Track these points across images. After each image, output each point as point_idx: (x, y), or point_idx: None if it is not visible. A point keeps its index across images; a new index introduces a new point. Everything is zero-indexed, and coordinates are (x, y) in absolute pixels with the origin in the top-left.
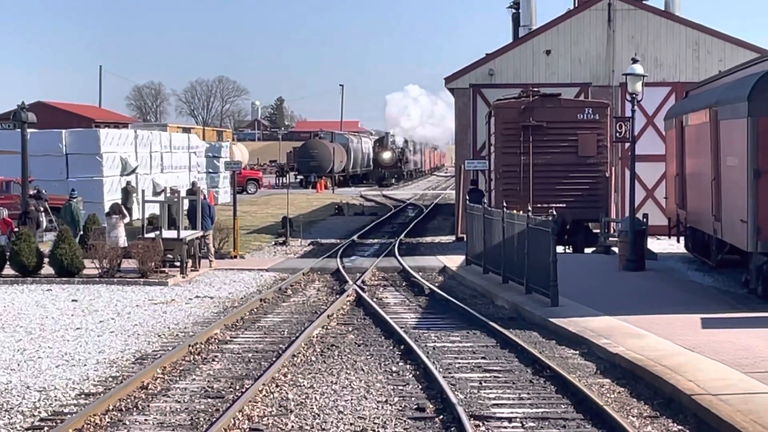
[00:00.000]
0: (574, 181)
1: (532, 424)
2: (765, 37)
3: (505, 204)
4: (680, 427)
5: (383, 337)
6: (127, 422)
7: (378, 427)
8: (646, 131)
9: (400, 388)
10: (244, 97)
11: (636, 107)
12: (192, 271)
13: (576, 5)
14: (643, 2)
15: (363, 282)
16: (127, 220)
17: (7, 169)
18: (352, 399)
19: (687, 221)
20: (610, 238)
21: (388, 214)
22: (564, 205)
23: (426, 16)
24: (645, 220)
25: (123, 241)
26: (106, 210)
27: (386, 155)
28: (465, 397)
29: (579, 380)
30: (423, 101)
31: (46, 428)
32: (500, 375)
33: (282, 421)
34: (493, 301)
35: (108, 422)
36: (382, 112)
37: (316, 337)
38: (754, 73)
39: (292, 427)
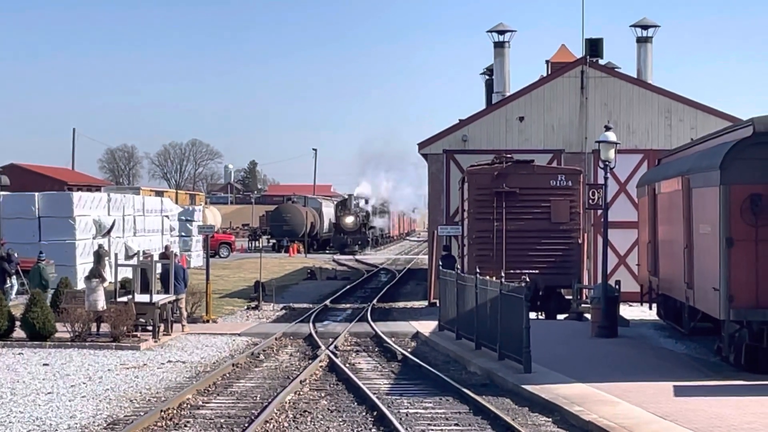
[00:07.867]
0: (546, 247)
1: None
2: (737, 105)
3: (478, 270)
4: None
5: (356, 403)
6: None
7: None
8: (618, 198)
9: None
10: (217, 161)
11: (609, 174)
12: (164, 335)
13: (549, 72)
14: (616, 70)
15: (336, 347)
16: (106, 283)
17: None
18: None
19: (659, 288)
20: (583, 305)
21: (361, 278)
22: (537, 271)
23: (399, 80)
24: (617, 286)
25: (102, 305)
26: (80, 273)
27: (349, 220)
28: None
29: None
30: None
31: None
32: None
33: None
34: (466, 367)
35: None
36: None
37: (289, 402)
38: (726, 142)
39: None
